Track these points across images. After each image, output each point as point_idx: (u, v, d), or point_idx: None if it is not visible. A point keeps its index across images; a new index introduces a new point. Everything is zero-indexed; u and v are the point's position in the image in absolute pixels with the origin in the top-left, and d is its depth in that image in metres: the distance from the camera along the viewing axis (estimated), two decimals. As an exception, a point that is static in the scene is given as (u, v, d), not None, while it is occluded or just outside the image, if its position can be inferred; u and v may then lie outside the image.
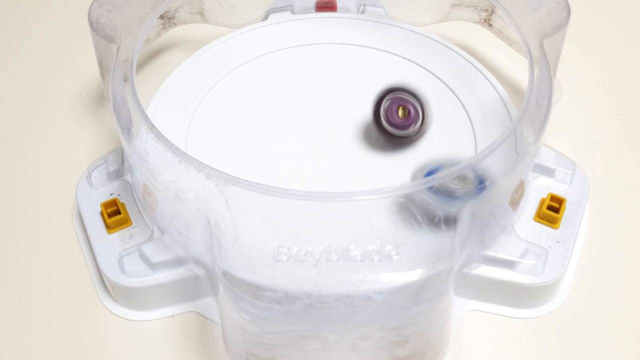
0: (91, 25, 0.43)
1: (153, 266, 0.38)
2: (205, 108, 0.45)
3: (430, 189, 0.34)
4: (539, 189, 0.41)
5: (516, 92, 0.48)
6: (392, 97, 0.41)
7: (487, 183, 0.35)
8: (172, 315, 0.39)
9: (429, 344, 0.34)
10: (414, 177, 0.36)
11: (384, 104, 0.41)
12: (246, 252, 0.33)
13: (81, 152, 0.46)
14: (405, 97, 0.41)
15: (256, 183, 0.34)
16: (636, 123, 0.48)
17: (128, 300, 0.39)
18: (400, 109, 0.41)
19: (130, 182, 0.41)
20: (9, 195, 0.44)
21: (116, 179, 0.42)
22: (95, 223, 0.40)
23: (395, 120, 0.41)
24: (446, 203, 0.34)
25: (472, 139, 0.43)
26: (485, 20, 0.49)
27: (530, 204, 0.40)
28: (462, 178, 0.35)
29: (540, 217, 0.40)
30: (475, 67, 0.47)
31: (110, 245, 0.39)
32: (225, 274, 0.33)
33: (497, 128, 0.43)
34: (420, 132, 0.42)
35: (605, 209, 0.43)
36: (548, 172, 0.41)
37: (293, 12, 0.51)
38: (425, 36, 0.49)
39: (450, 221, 0.34)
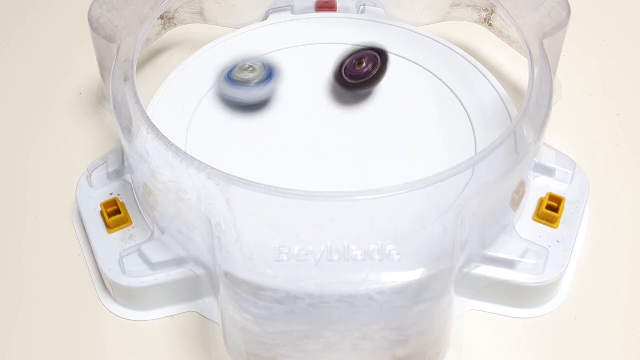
0: (91, 25, 0.43)
1: (153, 266, 0.38)
2: (205, 108, 0.45)
3: (230, 81, 0.44)
4: (539, 188, 0.41)
5: (516, 92, 0.48)
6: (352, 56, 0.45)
7: (275, 72, 0.44)
8: (172, 315, 0.39)
9: (430, 343, 0.34)
10: (218, 77, 0.45)
11: (345, 63, 0.45)
12: (247, 252, 0.33)
13: (81, 152, 0.46)
14: (363, 53, 0.45)
15: (257, 183, 0.34)
16: (636, 123, 0.48)
17: (128, 300, 0.39)
18: (357, 62, 0.44)
19: (131, 182, 0.41)
20: (9, 195, 0.44)
21: (116, 179, 0.42)
22: (95, 223, 0.40)
23: (352, 72, 0.44)
24: (244, 92, 0.44)
25: (472, 139, 0.43)
26: (485, 20, 0.49)
27: (531, 203, 0.41)
28: (252, 69, 0.44)
29: (540, 216, 0.40)
30: (475, 67, 0.47)
31: (111, 245, 0.39)
32: (226, 274, 0.33)
33: (497, 128, 0.43)
34: (378, 75, 0.45)
35: (605, 209, 0.43)
36: (548, 171, 0.41)
37: (293, 12, 0.51)
38: (425, 36, 0.49)
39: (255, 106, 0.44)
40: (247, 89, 0.44)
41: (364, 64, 0.44)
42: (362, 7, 0.51)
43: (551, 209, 0.40)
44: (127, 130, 0.38)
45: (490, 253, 0.37)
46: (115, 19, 0.43)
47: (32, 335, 0.38)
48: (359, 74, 0.44)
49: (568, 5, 0.43)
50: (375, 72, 0.44)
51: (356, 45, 0.45)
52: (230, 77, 0.44)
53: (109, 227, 0.40)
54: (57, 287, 0.40)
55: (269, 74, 0.44)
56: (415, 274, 0.33)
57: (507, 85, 0.48)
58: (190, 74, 0.47)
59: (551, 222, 0.40)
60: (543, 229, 0.40)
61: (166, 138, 0.36)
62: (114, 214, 0.40)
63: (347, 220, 0.34)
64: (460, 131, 0.43)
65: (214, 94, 0.46)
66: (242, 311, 0.32)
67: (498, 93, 0.45)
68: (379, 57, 0.44)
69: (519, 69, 0.50)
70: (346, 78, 0.44)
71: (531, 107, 0.38)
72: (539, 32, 0.42)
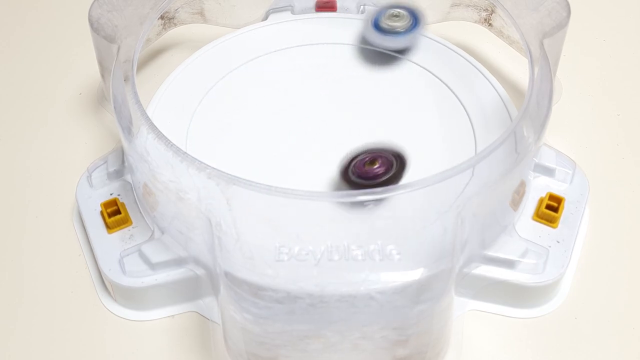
0: (91, 25, 0.43)
1: (153, 266, 0.38)
2: (205, 108, 0.45)
3: (377, 29, 0.45)
4: (539, 188, 0.41)
5: (516, 92, 0.48)
6: (362, 156, 0.38)
7: (420, 17, 0.45)
8: (172, 315, 0.39)
9: (430, 343, 0.34)
10: (364, 24, 0.46)
11: (353, 164, 0.38)
12: (247, 252, 0.33)
13: (81, 152, 0.46)
14: (378, 153, 0.38)
15: (257, 183, 0.34)
16: (636, 123, 0.48)
17: (128, 300, 0.39)
18: (369, 162, 0.38)
19: (131, 182, 0.41)
20: (9, 195, 0.44)
21: (116, 179, 0.42)
22: (95, 223, 0.40)
23: (363, 171, 0.38)
24: (391, 39, 0.45)
25: (472, 139, 0.43)
26: (485, 20, 0.49)
27: (530, 203, 0.41)
28: (398, 16, 0.45)
29: (539, 216, 0.40)
30: (475, 67, 0.47)
31: (110, 245, 0.39)
32: (226, 274, 0.33)
33: (497, 128, 0.43)
34: (394, 178, 0.38)
35: (605, 209, 0.43)
36: (548, 171, 0.41)
37: (293, 12, 0.51)
38: (425, 36, 0.49)
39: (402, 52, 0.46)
40: (394, 37, 0.45)
41: (377, 165, 0.37)
42: (362, 7, 0.51)
43: (551, 209, 0.40)
44: (127, 130, 0.38)
45: (490, 253, 0.37)
46: (115, 19, 0.43)
47: (32, 335, 0.38)
48: (366, 174, 0.37)
49: (568, 5, 0.43)
50: (385, 176, 0.37)
51: (374, 144, 0.39)
52: (378, 24, 0.45)
53: (109, 227, 0.40)
54: (57, 287, 0.40)
55: (415, 21, 0.45)
56: (415, 274, 0.33)
57: (507, 85, 0.47)
58: (190, 74, 0.47)
59: (551, 222, 0.40)
60: (543, 228, 0.40)
61: (166, 138, 0.36)
62: (114, 214, 0.40)
63: (347, 220, 0.34)
64: (460, 131, 0.43)
65: (214, 95, 0.46)
66: (242, 311, 0.32)
67: (498, 93, 0.45)
68: (395, 162, 0.38)
69: (519, 69, 0.50)
70: (351, 175, 0.38)
71: (531, 107, 0.38)
72: (539, 32, 0.42)
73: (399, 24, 0.45)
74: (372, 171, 0.37)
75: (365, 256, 0.33)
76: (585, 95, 0.49)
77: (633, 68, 0.51)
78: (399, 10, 0.45)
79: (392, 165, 0.37)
